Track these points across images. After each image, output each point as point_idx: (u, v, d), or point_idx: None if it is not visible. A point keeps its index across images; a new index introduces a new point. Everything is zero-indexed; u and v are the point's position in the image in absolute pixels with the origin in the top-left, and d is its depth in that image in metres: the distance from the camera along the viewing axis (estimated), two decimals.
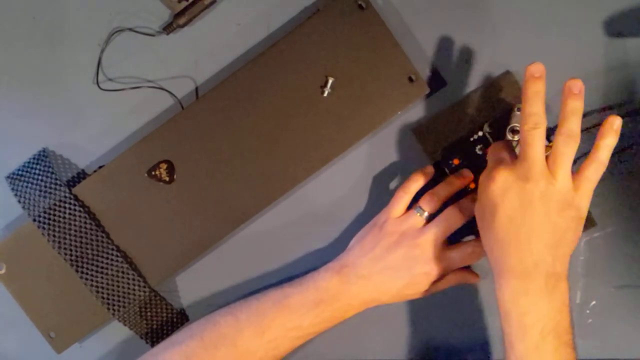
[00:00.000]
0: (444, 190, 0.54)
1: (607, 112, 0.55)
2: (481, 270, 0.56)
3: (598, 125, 0.54)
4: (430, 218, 0.53)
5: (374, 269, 0.53)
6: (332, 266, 0.54)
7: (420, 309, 0.58)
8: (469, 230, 0.55)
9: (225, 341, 0.52)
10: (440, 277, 0.54)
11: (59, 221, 0.56)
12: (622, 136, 0.56)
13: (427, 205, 0.53)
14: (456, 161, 0.55)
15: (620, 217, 0.56)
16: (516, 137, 0.53)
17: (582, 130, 0.54)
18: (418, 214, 0.53)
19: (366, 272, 0.53)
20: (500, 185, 0.47)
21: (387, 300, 0.54)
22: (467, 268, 0.56)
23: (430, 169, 0.55)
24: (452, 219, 0.52)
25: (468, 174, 0.54)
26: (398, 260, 0.52)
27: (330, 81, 0.55)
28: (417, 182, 0.54)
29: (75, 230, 0.56)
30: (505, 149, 0.50)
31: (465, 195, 0.54)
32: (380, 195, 0.57)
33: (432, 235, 0.52)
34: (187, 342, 0.53)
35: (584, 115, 0.55)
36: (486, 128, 0.54)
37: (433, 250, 0.52)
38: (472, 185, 0.54)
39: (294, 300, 0.53)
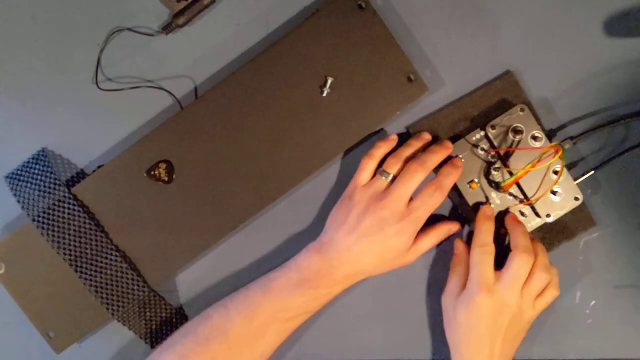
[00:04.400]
0: (405, 152, 0.54)
1: (607, 112, 0.55)
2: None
3: (600, 126, 0.54)
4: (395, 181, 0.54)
5: (350, 241, 0.53)
6: (312, 246, 0.55)
7: (420, 309, 0.58)
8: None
9: (218, 333, 0.52)
10: (416, 234, 0.54)
11: (59, 221, 0.56)
12: (624, 136, 0.56)
13: (390, 168, 0.54)
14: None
15: (620, 217, 0.56)
16: (517, 138, 0.53)
17: (584, 133, 0.55)
18: (383, 178, 0.54)
19: (344, 246, 0.53)
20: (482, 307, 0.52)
21: (371, 270, 0.54)
22: (444, 221, 0.57)
23: (394, 137, 0.55)
24: (413, 173, 0.53)
25: (427, 137, 0.55)
26: (370, 227, 0.53)
27: (330, 81, 0.55)
28: (381, 149, 0.55)
29: (75, 230, 0.56)
30: (461, 264, 0.56)
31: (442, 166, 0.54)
32: None
33: (396, 194, 0.52)
34: (182, 341, 0.53)
35: (585, 117, 0.55)
36: (488, 128, 0.54)
37: (399, 208, 0.52)
38: (474, 185, 0.55)
39: (278, 282, 0.53)
